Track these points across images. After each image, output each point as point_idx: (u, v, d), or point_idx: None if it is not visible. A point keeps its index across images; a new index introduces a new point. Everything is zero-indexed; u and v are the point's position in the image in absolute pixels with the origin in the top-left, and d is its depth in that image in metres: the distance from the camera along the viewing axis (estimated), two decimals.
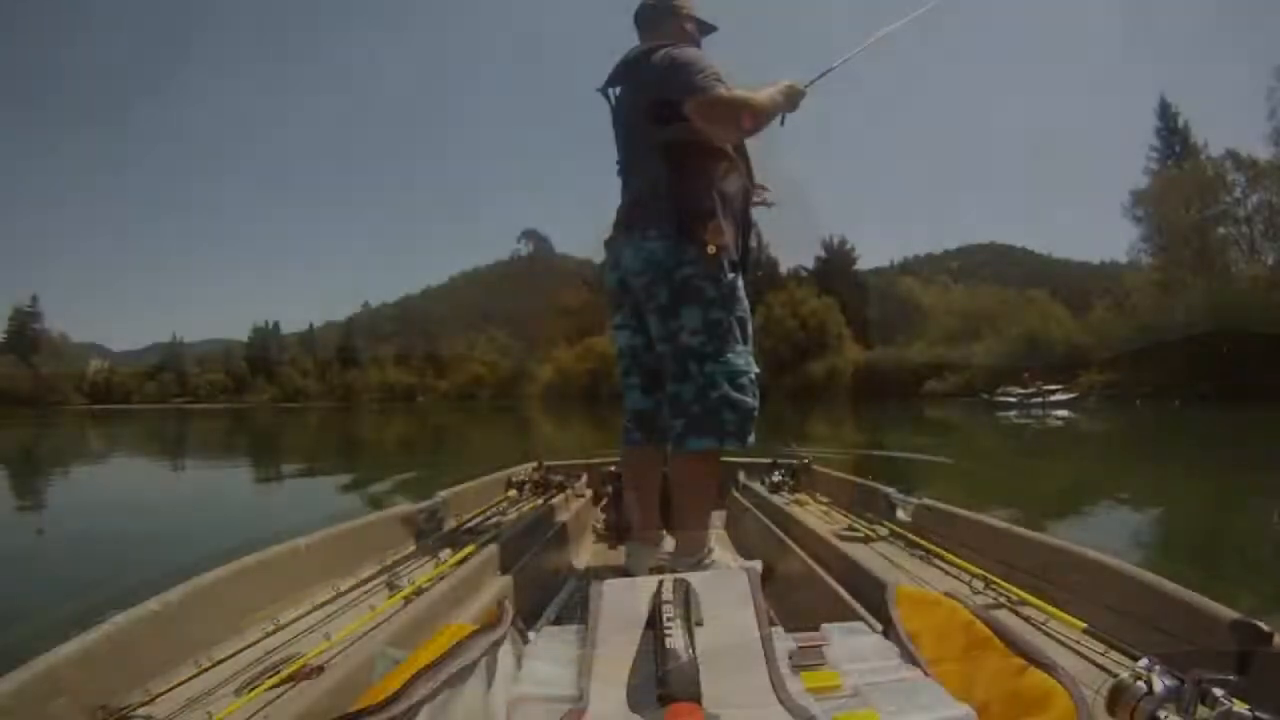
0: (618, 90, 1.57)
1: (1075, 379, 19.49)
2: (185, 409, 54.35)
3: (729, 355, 1.40)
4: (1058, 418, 13.23)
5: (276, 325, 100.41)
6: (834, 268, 45.64)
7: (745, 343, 1.45)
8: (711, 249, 1.39)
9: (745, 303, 1.47)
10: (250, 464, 7.28)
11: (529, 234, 72.87)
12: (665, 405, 1.45)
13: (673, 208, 1.40)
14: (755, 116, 1.40)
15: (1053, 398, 17.90)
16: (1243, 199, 22.09)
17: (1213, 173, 23.00)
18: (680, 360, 1.40)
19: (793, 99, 1.46)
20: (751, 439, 1.42)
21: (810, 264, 47.07)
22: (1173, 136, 30.70)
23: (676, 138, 1.40)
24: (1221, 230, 22.43)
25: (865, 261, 50.21)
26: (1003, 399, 18.45)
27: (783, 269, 45.92)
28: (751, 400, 1.42)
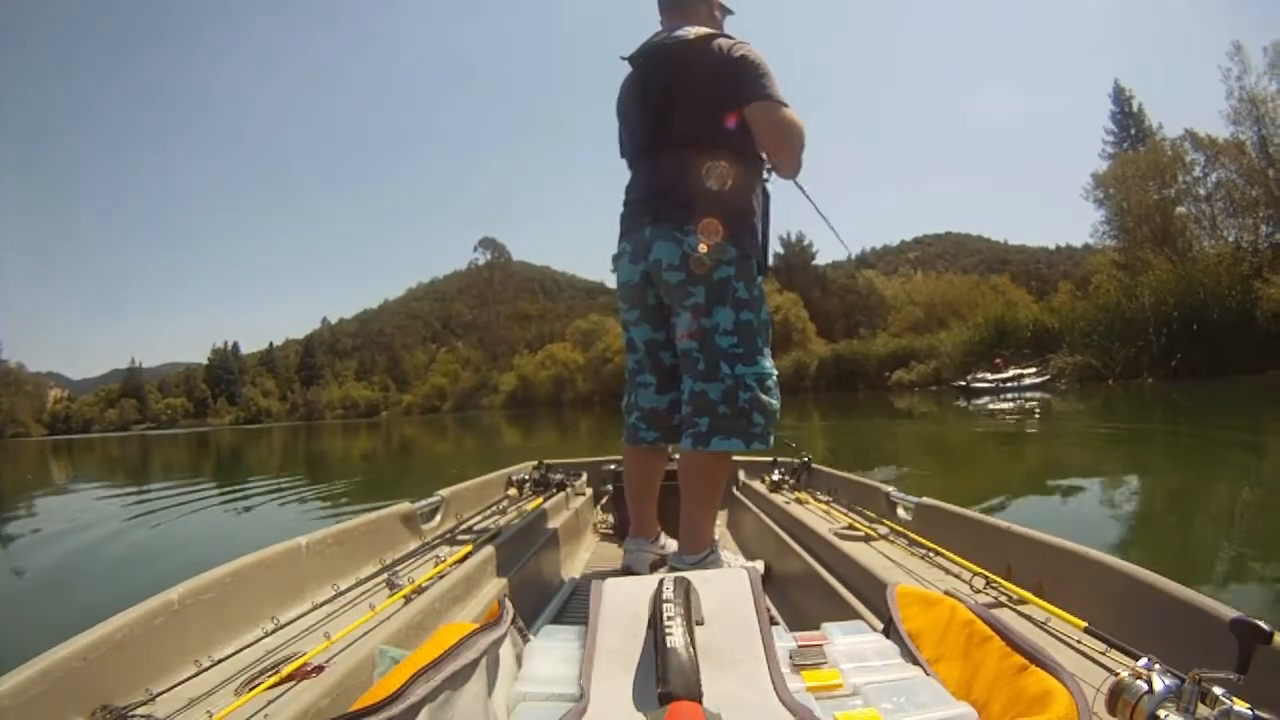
0: (645, 66, 1.49)
1: (1046, 362, 19.36)
2: (147, 435, 54.15)
3: (758, 358, 1.42)
4: (1033, 400, 13.28)
5: (236, 346, 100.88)
6: (793, 263, 45.48)
7: (768, 344, 1.46)
8: (703, 247, 1.39)
9: (767, 305, 1.49)
10: (217, 492, 7.13)
11: (486, 243, 72.27)
12: (687, 401, 1.43)
13: (717, 206, 1.38)
14: (798, 152, 1.41)
15: (1026, 381, 17.87)
16: (1203, 177, 22.23)
17: (1171, 152, 23.08)
18: (711, 360, 1.40)
19: None
20: (772, 440, 1.43)
21: (769, 259, 47.45)
22: (1127, 120, 31.03)
23: (723, 133, 1.38)
24: (1181, 209, 22.55)
25: (823, 256, 50.03)
26: (977, 385, 18.37)
27: None
28: (777, 403, 1.44)
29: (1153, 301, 17.55)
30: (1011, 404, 12.55)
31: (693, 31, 1.42)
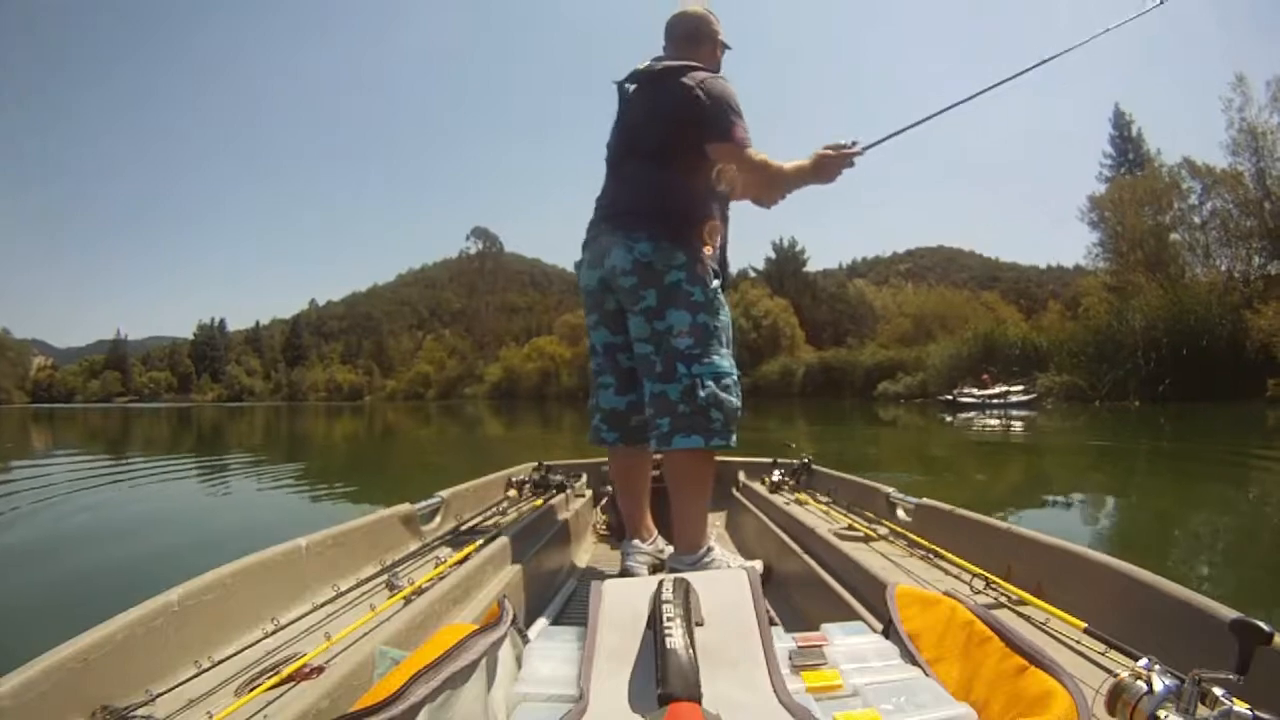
0: (632, 85, 1.58)
1: (1033, 380, 19.46)
2: (129, 408, 53.50)
3: (714, 357, 1.45)
4: (1019, 417, 13.34)
5: (222, 322, 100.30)
6: (784, 269, 45.45)
7: (727, 346, 1.49)
8: (707, 250, 1.46)
9: (727, 309, 1.53)
10: (196, 471, 7.01)
11: (478, 232, 71.46)
12: (649, 404, 1.47)
13: (665, 211, 1.43)
14: (768, 188, 1.51)
15: (1012, 398, 17.90)
16: (1198, 205, 22.59)
17: (1168, 179, 23.39)
18: (667, 361, 1.43)
19: (826, 170, 1.48)
20: (734, 439, 1.46)
21: (760, 264, 46.91)
22: (1126, 144, 31.42)
23: (680, 149, 1.45)
24: (1175, 235, 22.86)
25: (814, 263, 50.44)
26: (964, 399, 18.37)
27: (732, 270, 46.34)
28: (736, 400, 1.47)
29: (1143, 325, 17.80)
30: (997, 420, 12.63)
31: (672, 61, 1.50)
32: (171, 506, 4.56)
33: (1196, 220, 22.45)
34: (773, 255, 46.74)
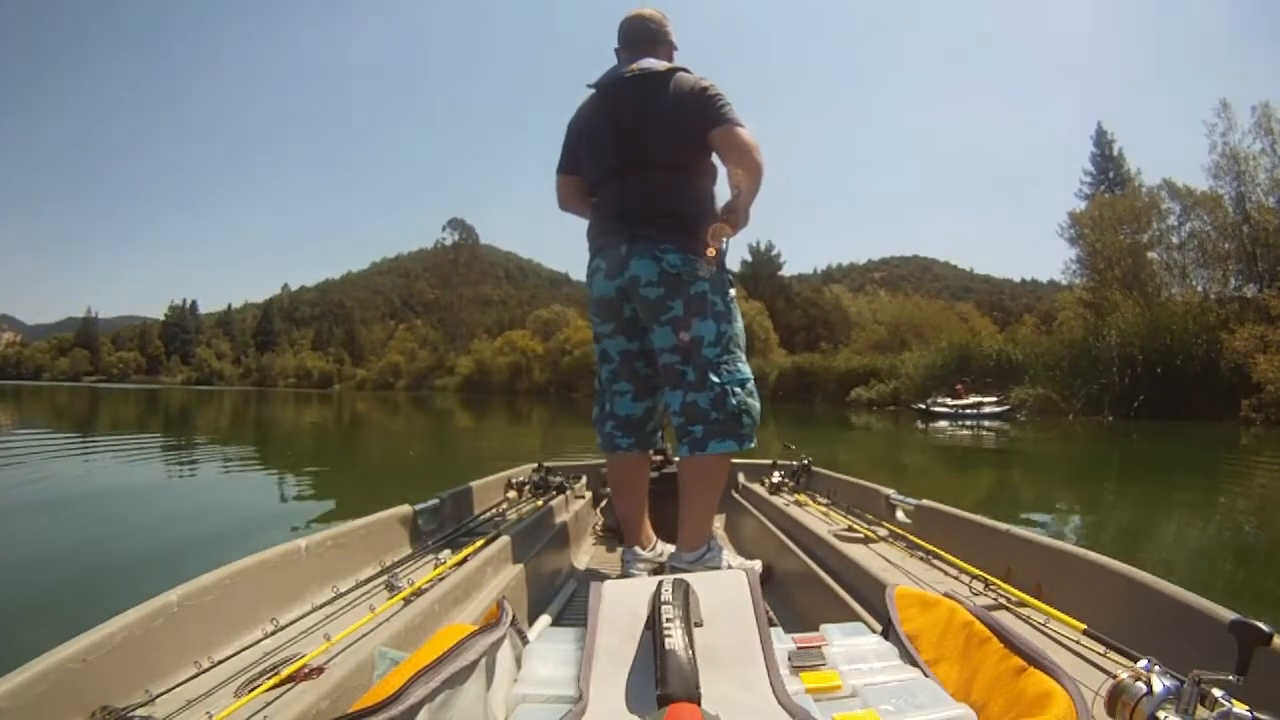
0: (614, 93, 1.54)
1: (1007, 393, 19.45)
2: (97, 387, 53.00)
3: (738, 364, 1.50)
4: (991, 429, 13.30)
5: (194, 304, 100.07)
6: (760, 272, 45.23)
7: (743, 351, 1.54)
8: (710, 251, 1.43)
9: (740, 314, 1.57)
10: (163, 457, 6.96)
11: (455, 224, 70.27)
12: (679, 412, 1.49)
13: (686, 222, 1.46)
14: (757, 178, 1.47)
15: (985, 409, 17.80)
16: (1177, 226, 22.65)
17: (1147, 199, 23.51)
18: (700, 370, 1.46)
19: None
20: (755, 439, 1.50)
21: (735, 266, 46.91)
22: (1107, 163, 31.79)
23: (687, 155, 1.48)
24: (1153, 255, 22.93)
25: (790, 268, 50.84)
26: (937, 409, 18.30)
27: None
28: (758, 404, 1.51)
29: (1119, 342, 17.83)
30: (969, 431, 12.61)
31: (660, 65, 1.51)
32: (140, 493, 4.45)
33: (1175, 240, 22.61)
34: (749, 258, 46.65)
